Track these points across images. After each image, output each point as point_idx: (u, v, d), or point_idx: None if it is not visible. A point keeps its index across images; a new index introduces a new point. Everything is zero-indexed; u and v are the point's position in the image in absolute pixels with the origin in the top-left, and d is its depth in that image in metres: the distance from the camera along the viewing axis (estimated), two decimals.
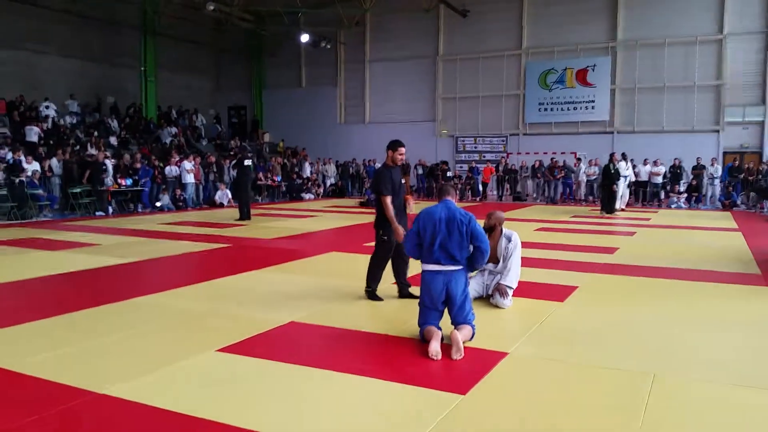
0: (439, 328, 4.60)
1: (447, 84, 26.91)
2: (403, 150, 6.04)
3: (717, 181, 19.76)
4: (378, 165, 24.49)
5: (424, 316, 4.69)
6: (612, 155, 16.79)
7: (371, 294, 6.12)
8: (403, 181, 6.13)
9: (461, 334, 4.44)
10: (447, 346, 4.43)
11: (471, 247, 4.70)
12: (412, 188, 17.37)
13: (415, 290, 6.11)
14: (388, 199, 5.84)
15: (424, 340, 4.57)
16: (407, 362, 4.30)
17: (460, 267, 4.67)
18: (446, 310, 4.72)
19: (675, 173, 20.14)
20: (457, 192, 21.39)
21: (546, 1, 24.46)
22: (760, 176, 18.30)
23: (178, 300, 6.17)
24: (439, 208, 4.75)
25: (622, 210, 17.04)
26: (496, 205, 20.03)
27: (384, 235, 5.95)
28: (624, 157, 17.69)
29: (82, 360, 4.31)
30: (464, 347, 4.39)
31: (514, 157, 24.57)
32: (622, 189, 17.37)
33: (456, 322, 4.64)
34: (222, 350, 4.47)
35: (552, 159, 21.93)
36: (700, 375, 4.06)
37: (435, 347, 4.34)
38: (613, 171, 16.20)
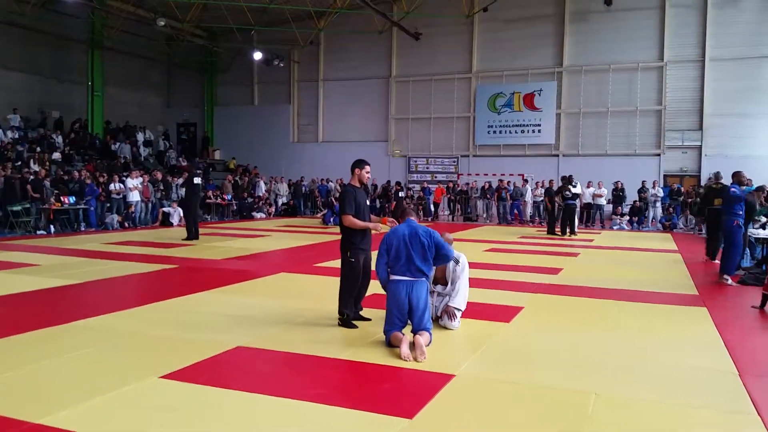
0: (403, 334, 5.05)
1: (400, 104, 27.24)
2: (368, 168, 6.11)
3: (659, 204, 20.48)
4: (331, 184, 24.57)
5: (391, 323, 5.17)
6: (563, 178, 17.19)
7: (345, 322, 5.83)
8: (368, 201, 6.06)
9: (423, 339, 4.96)
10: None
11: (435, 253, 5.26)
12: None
13: (365, 313, 6.13)
14: (350, 217, 5.81)
15: (389, 345, 5.07)
16: (354, 386, 4.30)
17: (423, 278, 5.21)
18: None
19: (617, 196, 20.81)
20: (419, 212, 21.66)
21: (495, 26, 25.14)
22: (699, 199, 19.05)
23: (120, 323, 5.99)
24: (403, 227, 5.34)
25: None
26: (447, 225, 20.26)
27: (351, 257, 5.85)
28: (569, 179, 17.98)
29: (17, 388, 4.14)
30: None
31: (464, 177, 24.99)
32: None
33: (417, 329, 5.10)
34: (165, 377, 4.36)
35: (500, 181, 22.29)
36: (640, 394, 4.18)
37: (406, 350, 4.81)
38: (570, 194, 16.55)
